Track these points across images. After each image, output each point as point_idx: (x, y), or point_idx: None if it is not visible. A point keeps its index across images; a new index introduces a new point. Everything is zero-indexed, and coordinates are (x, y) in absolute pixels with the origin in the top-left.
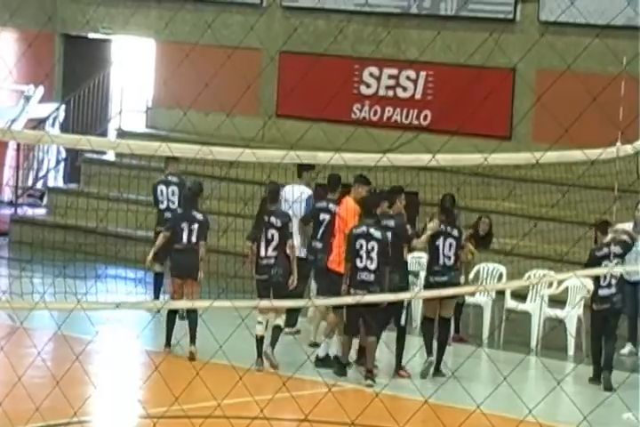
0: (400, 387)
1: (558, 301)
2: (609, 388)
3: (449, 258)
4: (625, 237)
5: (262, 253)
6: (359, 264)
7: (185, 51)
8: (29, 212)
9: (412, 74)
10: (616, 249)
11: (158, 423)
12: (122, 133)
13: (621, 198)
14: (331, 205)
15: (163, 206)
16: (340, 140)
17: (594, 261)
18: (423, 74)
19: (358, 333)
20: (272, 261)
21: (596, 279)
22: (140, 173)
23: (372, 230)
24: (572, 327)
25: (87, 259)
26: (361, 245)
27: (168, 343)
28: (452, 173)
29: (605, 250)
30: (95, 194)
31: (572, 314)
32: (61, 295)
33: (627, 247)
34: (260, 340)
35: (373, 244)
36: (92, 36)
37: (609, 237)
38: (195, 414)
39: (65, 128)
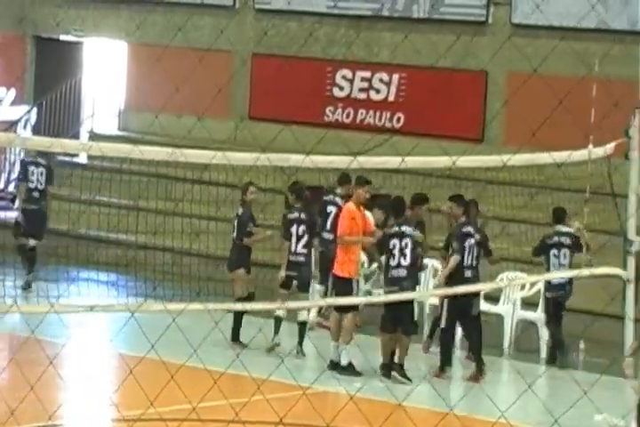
0: (377, 390)
1: (530, 303)
2: (565, 365)
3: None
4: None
5: (292, 248)
6: (392, 262)
7: (156, 53)
8: (1, 215)
9: (384, 76)
10: (564, 240)
11: None
12: (94, 136)
13: (592, 201)
14: (337, 199)
15: (32, 186)
16: (313, 142)
17: (543, 248)
18: (396, 76)
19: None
20: (301, 258)
21: (548, 269)
22: (111, 176)
23: (403, 228)
24: (544, 329)
25: (59, 262)
26: (394, 245)
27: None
28: (424, 176)
29: (555, 239)
30: (67, 197)
31: (544, 316)
32: (34, 298)
33: (575, 239)
34: (278, 320)
35: (407, 240)
36: (63, 38)
37: (559, 226)
38: (171, 417)
39: (37, 131)
